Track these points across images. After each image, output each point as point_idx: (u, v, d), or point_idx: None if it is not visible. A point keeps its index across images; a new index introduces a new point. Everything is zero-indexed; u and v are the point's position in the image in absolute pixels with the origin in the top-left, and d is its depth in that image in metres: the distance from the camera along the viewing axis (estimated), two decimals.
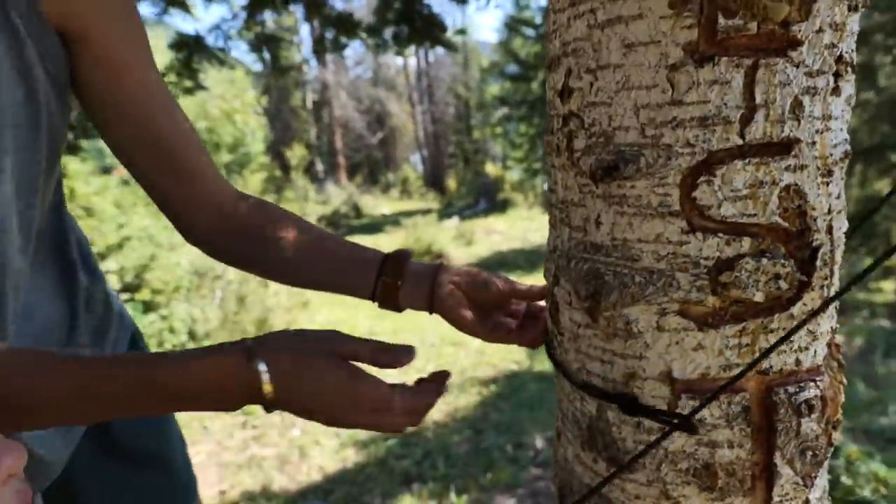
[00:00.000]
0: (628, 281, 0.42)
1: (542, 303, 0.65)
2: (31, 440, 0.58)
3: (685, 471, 0.44)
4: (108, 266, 3.71)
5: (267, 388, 0.46)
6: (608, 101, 0.40)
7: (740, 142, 0.38)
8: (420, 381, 0.56)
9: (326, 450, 2.77)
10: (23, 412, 0.45)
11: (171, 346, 3.78)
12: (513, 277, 0.66)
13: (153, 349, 3.73)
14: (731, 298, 0.40)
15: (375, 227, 10.90)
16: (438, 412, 3.14)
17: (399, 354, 0.53)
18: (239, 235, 0.65)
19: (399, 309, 0.65)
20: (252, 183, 9.28)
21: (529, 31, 14.51)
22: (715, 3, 0.36)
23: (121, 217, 4.00)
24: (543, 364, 3.80)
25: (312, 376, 0.48)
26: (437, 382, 0.56)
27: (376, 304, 0.65)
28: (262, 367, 0.46)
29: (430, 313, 0.65)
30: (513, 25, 14.49)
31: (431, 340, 4.35)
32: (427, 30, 1.76)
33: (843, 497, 1.08)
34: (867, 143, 5.94)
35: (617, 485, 0.47)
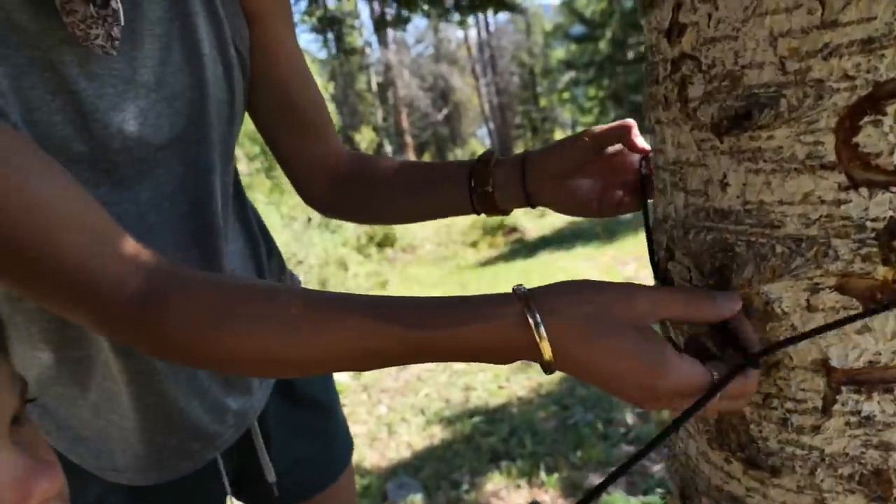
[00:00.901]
0: (767, 252, 0.35)
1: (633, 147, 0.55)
2: (232, 399, 0.63)
3: (848, 477, 0.36)
4: None
5: (547, 355, 0.39)
6: (733, 34, 0.33)
7: None
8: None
9: (413, 426, 2.81)
10: (290, 364, 0.43)
11: None
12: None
13: None
14: None
15: None
16: (522, 388, 3.10)
17: (722, 303, 0.37)
18: (349, 188, 0.68)
19: (505, 212, 0.63)
20: None
21: None
22: None
23: None
24: None
25: (601, 352, 0.38)
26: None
27: (483, 212, 0.63)
28: (542, 334, 0.38)
29: (532, 207, 0.62)
30: None
31: None
32: None
33: None
34: None
35: (758, 489, 0.40)
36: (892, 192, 0.31)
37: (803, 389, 0.37)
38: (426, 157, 18.45)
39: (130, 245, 0.42)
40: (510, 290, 0.40)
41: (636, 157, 0.55)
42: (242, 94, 0.60)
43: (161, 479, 0.61)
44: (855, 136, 0.31)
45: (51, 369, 0.56)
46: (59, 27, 0.44)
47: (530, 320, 0.38)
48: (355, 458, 2.92)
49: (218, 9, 0.54)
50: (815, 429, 0.38)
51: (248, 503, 0.73)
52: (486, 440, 2.55)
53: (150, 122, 0.51)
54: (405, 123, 16.61)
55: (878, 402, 0.34)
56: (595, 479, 2.16)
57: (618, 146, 0.56)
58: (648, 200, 0.52)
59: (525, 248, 7.50)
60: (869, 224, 0.32)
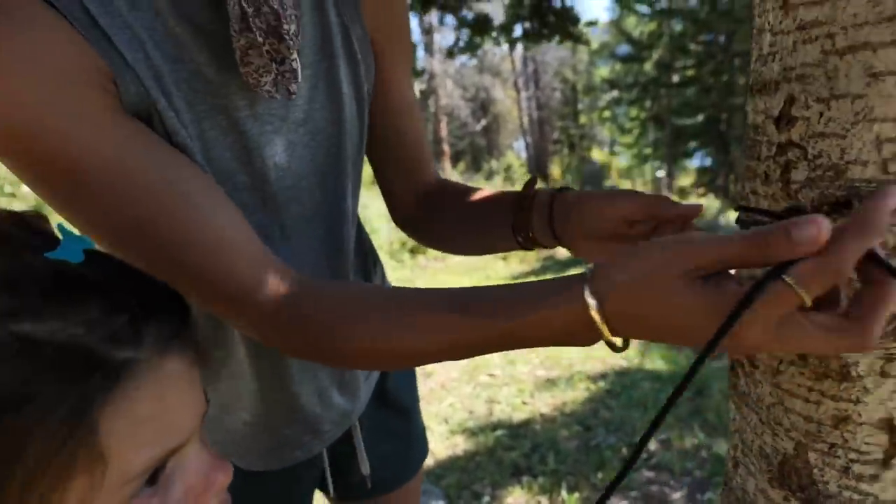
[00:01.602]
0: None
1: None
2: (343, 399, 0.69)
3: None
4: None
5: (607, 336, 0.39)
6: (842, 133, 0.38)
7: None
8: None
9: (436, 434, 2.86)
10: (402, 358, 0.48)
11: None
12: None
13: None
14: None
15: None
16: (545, 405, 3.13)
17: (778, 237, 0.33)
18: (433, 216, 0.72)
19: (548, 246, 0.62)
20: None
21: (643, 8, 13.79)
22: None
23: None
24: (655, 363, 3.66)
25: (655, 309, 0.37)
26: None
27: (530, 247, 0.63)
28: (597, 318, 0.38)
29: (560, 246, 0.61)
30: (625, 2, 13.83)
31: None
32: (559, 25, 1.72)
33: None
34: None
35: None
36: None
37: (868, 443, 0.42)
38: (461, 166, 18.53)
39: (278, 267, 0.49)
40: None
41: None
42: (367, 128, 0.66)
43: (274, 466, 0.68)
44: None
45: None
46: (236, 76, 0.51)
47: (589, 301, 0.38)
48: None
49: (356, 51, 0.60)
50: (874, 478, 0.42)
51: (334, 494, 0.80)
52: (508, 454, 2.59)
53: (297, 154, 0.58)
54: (444, 132, 16.75)
55: None
56: (616, 502, 2.18)
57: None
58: None
59: (556, 265, 7.49)
60: None
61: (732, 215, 0.58)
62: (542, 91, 21.36)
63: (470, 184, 0.75)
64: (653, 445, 2.63)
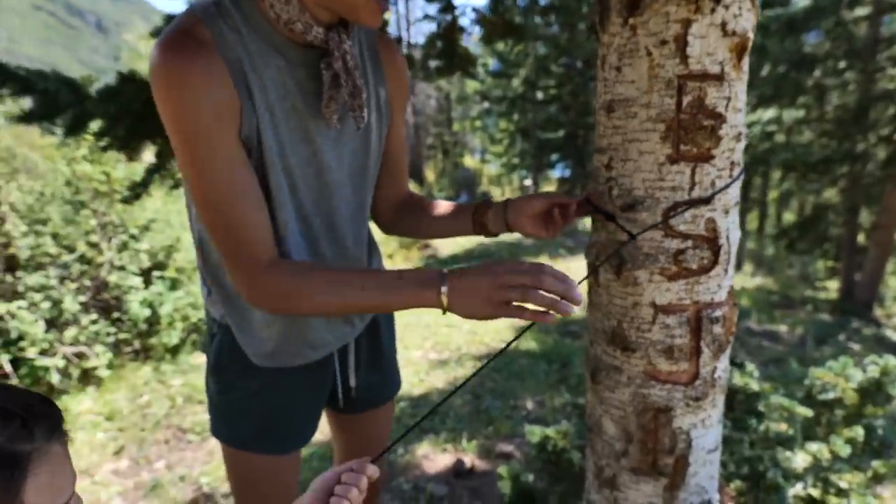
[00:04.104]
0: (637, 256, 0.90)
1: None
2: (346, 324, 1.07)
3: (659, 350, 0.91)
4: (140, 246, 4.06)
5: (444, 307, 0.78)
6: (629, 175, 0.88)
7: (688, 197, 0.86)
8: None
9: None
10: (336, 313, 0.87)
11: (194, 322, 4.16)
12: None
13: (179, 324, 4.09)
14: (681, 267, 0.88)
15: None
16: (440, 381, 3.62)
17: (571, 290, 0.74)
18: (405, 215, 1.13)
19: (494, 234, 1.05)
20: None
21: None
22: (678, 139, 0.84)
23: (146, 201, 4.34)
24: (529, 344, 4.31)
25: (471, 293, 0.76)
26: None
27: (482, 234, 1.06)
28: (444, 290, 0.76)
29: (510, 231, 1.04)
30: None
31: (427, 322, 4.82)
32: (462, 64, 2.19)
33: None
34: (818, 157, 6.58)
35: (624, 360, 0.95)
36: (677, 240, 0.87)
37: (644, 315, 0.92)
38: None
39: (272, 249, 0.86)
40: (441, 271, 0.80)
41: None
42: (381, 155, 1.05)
43: (294, 363, 1.03)
44: (670, 219, 0.87)
45: None
46: (315, 112, 0.88)
47: (442, 291, 0.77)
48: None
49: (382, 105, 0.98)
50: (650, 330, 0.93)
51: (330, 404, 1.18)
52: (412, 420, 3.03)
53: (344, 166, 0.95)
54: None
55: (672, 319, 0.90)
56: (503, 447, 2.71)
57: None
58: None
59: (437, 264, 8.07)
60: (671, 249, 0.88)
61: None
62: (416, 97, 22.08)
63: None
64: (530, 405, 3.22)
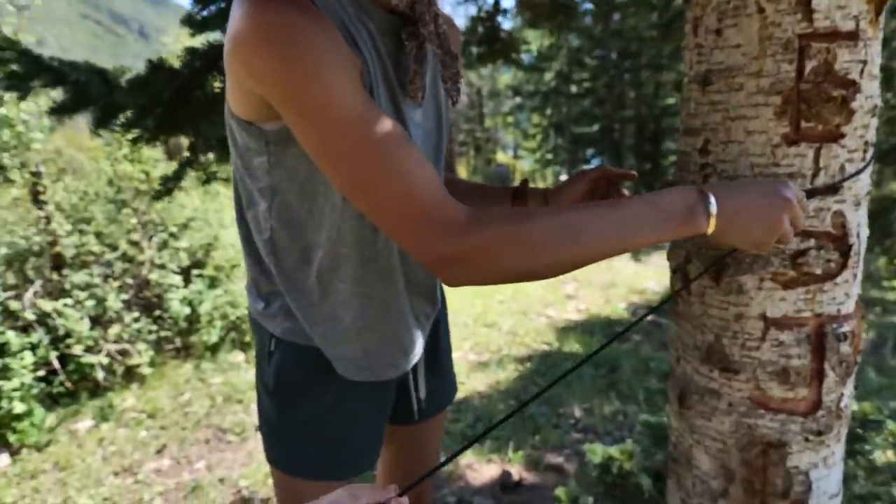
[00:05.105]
0: (742, 260, 0.74)
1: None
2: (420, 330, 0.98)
3: (770, 373, 0.76)
4: (179, 244, 4.05)
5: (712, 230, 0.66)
6: (733, 160, 0.72)
7: (810, 186, 0.70)
8: None
9: None
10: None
11: (232, 320, 4.13)
12: None
13: (218, 322, 4.06)
14: (801, 272, 0.72)
15: None
16: (481, 384, 3.48)
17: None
18: (454, 195, 1.05)
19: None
20: None
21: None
22: (798, 114, 0.68)
23: (185, 199, 4.33)
24: (572, 346, 4.14)
25: (746, 223, 0.65)
26: None
27: None
28: (713, 211, 0.65)
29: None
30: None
31: (464, 321, 4.68)
32: (505, 49, 2.05)
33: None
34: (885, 145, 6.12)
35: (724, 383, 0.79)
36: (797, 237, 0.71)
37: (752, 329, 0.76)
38: None
39: (455, 202, 0.70)
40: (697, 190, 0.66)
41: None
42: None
43: (387, 375, 0.93)
44: None
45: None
46: (403, 84, 0.81)
47: (712, 210, 0.65)
48: None
49: (439, 80, 0.90)
50: (758, 348, 0.77)
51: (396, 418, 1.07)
52: (454, 426, 2.90)
53: (423, 130, 0.87)
54: None
55: (786, 334, 0.74)
56: (552, 458, 2.56)
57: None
58: None
59: None
60: (786, 250, 0.72)
61: None
62: None
63: None
64: (578, 413, 3.05)
